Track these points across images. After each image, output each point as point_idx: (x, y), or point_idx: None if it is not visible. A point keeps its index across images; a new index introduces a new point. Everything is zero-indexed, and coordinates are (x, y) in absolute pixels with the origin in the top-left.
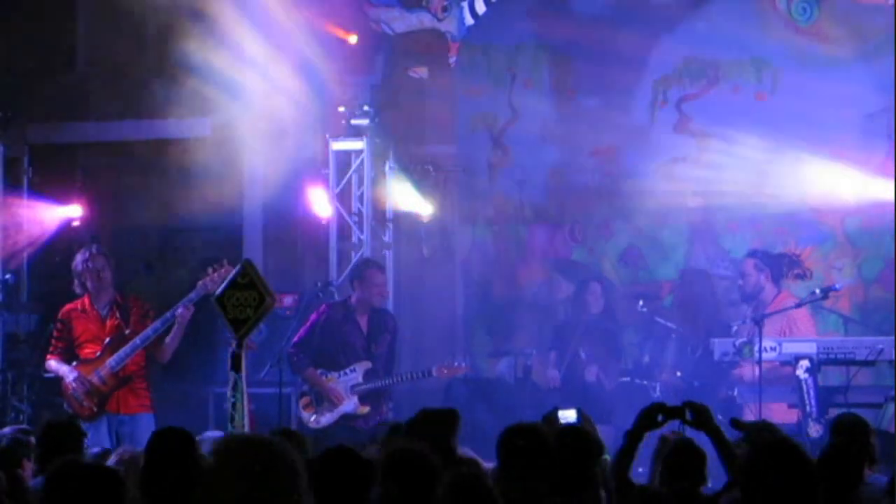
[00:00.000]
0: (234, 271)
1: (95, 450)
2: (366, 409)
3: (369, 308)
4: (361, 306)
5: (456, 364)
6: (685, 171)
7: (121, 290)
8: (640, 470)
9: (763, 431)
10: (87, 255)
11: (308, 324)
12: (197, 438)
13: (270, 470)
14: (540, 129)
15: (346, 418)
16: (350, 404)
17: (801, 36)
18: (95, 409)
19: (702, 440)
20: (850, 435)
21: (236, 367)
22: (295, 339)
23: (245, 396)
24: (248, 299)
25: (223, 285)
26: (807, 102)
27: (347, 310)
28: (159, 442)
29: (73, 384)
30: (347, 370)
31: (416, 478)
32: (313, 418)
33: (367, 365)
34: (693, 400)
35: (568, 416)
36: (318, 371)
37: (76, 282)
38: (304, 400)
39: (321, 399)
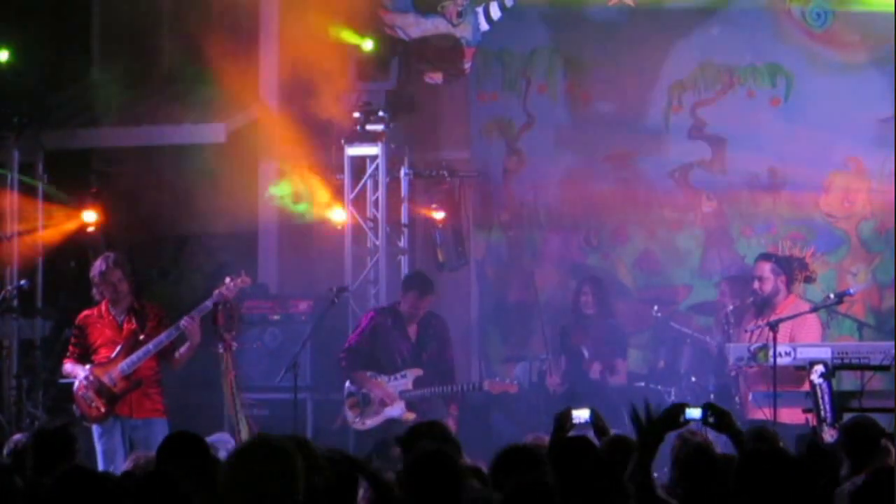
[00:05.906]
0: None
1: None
2: (412, 416)
3: (418, 316)
4: (409, 316)
5: (508, 381)
6: (700, 176)
7: (138, 295)
8: (665, 469)
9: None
10: (105, 266)
11: (358, 329)
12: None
13: (279, 474)
14: (554, 134)
15: (393, 423)
16: (396, 409)
17: (816, 41)
18: (104, 410)
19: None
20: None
21: None
22: (346, 344)
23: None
24: None
25: None
26: (821, 108)
27: (397, 316)
28: (171, 446)
29: (84, 382)
30: (398, 375)
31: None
32: (358, 420)
33: (417, 372)
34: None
35: (581, 415)
36: (369, 374)
37: (95, 289)
38: (351, 401)
39: (368, 401)
